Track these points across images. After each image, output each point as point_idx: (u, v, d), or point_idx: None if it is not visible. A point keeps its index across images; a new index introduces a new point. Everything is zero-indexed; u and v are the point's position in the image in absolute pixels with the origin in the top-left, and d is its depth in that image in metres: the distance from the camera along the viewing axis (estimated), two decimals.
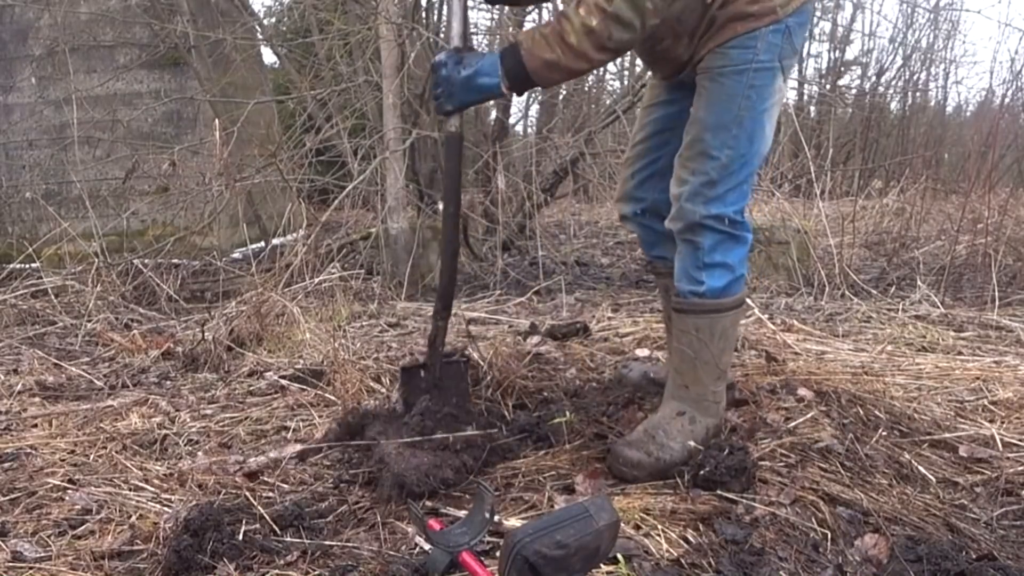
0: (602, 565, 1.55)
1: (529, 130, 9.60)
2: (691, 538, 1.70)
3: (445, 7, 5.71)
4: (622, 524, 1.61)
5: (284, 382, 2.85)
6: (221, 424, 2.50)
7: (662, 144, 2.28)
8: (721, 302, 2.07)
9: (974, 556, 1.71)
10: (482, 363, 2.73)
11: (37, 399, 2.83)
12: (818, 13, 10.48)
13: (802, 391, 2.48)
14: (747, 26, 1.95)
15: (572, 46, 1.87)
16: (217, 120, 4.98)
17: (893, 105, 10.74)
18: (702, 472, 1.91)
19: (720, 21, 1.97)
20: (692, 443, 2.02)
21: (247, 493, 1.97)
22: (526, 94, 6.30)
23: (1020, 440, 2.30)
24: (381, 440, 2.08)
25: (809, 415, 2.30)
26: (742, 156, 2.00)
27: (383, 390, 2.71)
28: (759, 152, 2.04)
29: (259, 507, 1.89)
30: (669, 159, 2.18)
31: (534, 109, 9.45)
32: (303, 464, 2.18)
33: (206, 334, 3.30)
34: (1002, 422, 2.43)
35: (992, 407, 2.56)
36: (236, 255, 5.51)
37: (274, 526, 1.81)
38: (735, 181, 2.02)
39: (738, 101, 1.98)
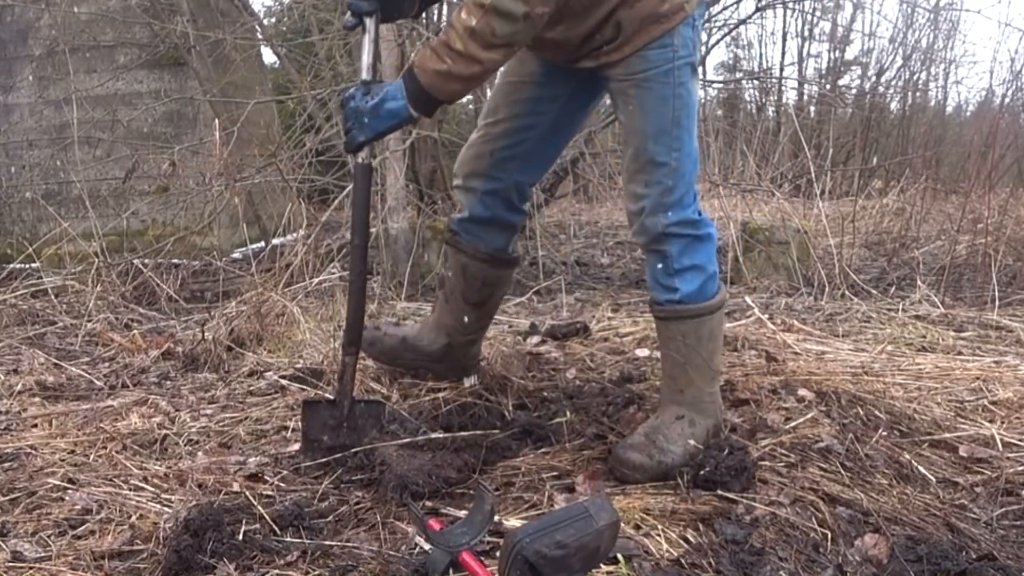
0: (602, 565, 1.55)
1: None
2: (691, 538, 1.70)
3: (444, 6, 5.71)
4: (622, 524, 1.61)
5: (284, 382, 2.85)
6: (221, 424, 2.49)
7: (528, 127, 2.24)
8: (701, 306, 2.07)
9: (974, 556, 1.71)
10: (481, 362, 2.73)
11: (37, 399, 2.82)
12: (818, 13, 10.50)
13: (802, 391, 2.48)
14: (662, 28, 1.93)
15: (460, 52, 1.86)
16: (217, 120, 4.98)
17: (893, 105, 10.73)
18: (702, 472, 1.91)
19: (630, 24, 1.93)
20: (692, 442, 2.02)
21: (247, 493, 1.97)
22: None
23: (1020, 440, 2.30)
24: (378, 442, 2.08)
25: (809, 415, 2.30)
26: (688, 155, 2.00)
27: (383, 390, 2.71)
28: (697, 147, 2.04)
29: (259, 507, 1.89)
30: (532, 144, 2.21)
31: None
32: (303, 464, 2.17)
33: (206, 334, 3.30)
34: (1002, 422, 2.43)
35: (992, 407, 2.56)
36: (236, 255, 5.51)
37: (274, 526, 1.80)
38: (688, 181, 2.02)
39: (671, 102, 1.97)
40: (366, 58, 2.09)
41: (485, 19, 1.82)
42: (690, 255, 2.04)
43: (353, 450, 2.09)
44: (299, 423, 2.23)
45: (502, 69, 2.23)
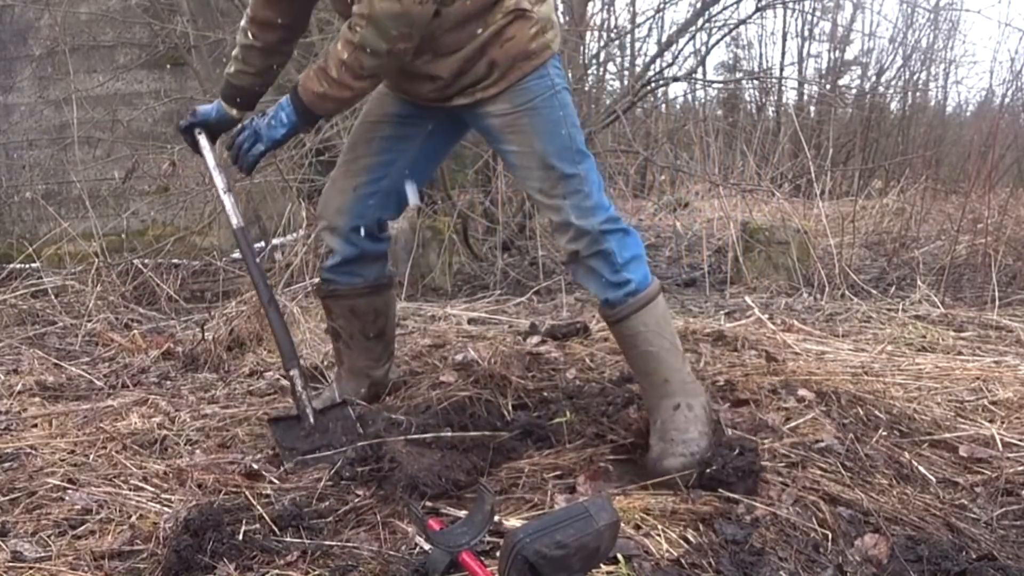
0: (602, 565, 1.55)
1: None
2: (691, 538, 1.70)
3: None
4: (622, 524, 1.61)
5: (284, 382, 2.84)
6: (221, 424, 2.49)
7: (389, 163, 2.37)
8: (650, 291, 2.15)
9: (974, 556, 1.71)
10: (481, 362, 2.73)
11: (37, 399, 2.82)
12: (818, 13, 10.50)
13: (802, 391, 2.48)
14: (532, 63, 2.10)
15: (334, 79, 2.06)
16: None
17: (893, 105, 10.74)
18: (709, 471, 1.91)
19: (504, 62, 2.08)
20: (701, 425, 2.06)
21: (247, 493, 1.97)
22: None
23: (1020, 440, 2.30)
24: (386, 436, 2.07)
25: (809, 415, 2.30)
26: (591, 166, 2.15)
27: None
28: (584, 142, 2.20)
29: (259, 507, 1.89)
30: (393, 180, 2.36)
31: None
32: (303, 463, 2.17)
33: (206, 334, 3.30)
34: (1002, 422, 2.43)
35: (992, 407, 2.56)
36: (236, 255, 5.50)
37: (274, 526, 1.80)
38: (599, 188, 2.15)
39: (561, 122, 2.12)
40: (219, 180, 2.39)
41: (354, 54, 2.01)
42: (628, 248, 2.14)
43: (358, 444, 2.10)
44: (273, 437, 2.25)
45: (363, 109, 2.48)
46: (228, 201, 2.36)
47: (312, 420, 2.21)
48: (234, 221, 2.33)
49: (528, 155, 2.13)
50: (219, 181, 2.39)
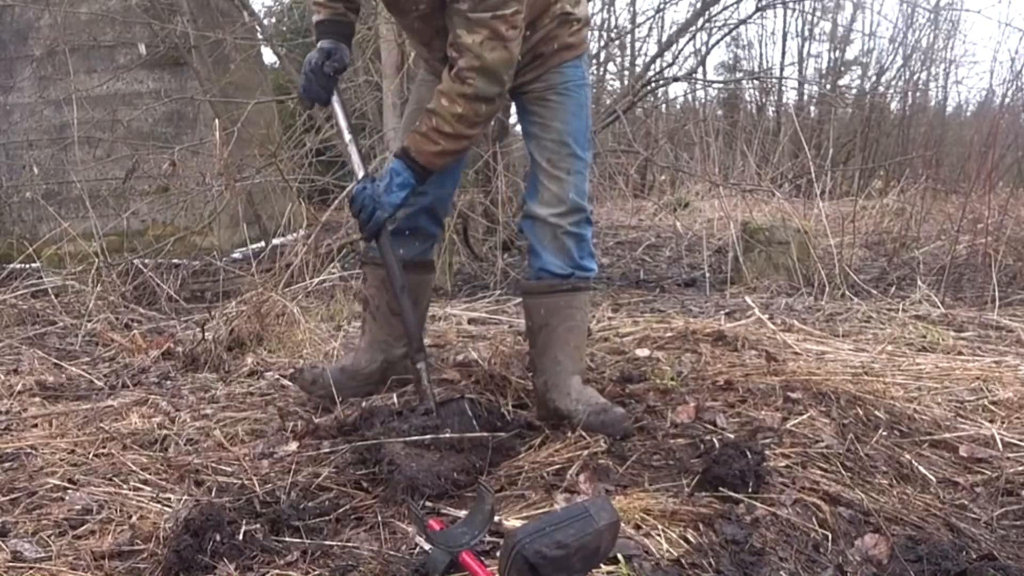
0: (602, 565, 1.55)
1: None
2: (691, 538, 1.70)
3: None
4: (622, 524, 1.61)
5: (284, 382, 2.85)
6: (221, 424, 2.49)
7: None
8: (591, 282, 2.46)
9: (974, 556, 1.71)
10: (481, 362, 2.73)
11: (37, 399, 2.82)
12: (818, 13, 10.50)
13: (802, 391, 2.48)
14: (572, 53, 2.34)
15: (449, 134, 2.19)
16: (217, 120, 4.98)
17: (893, 105, 10.73)
18: (712, 472, 1.90)
19: (548, 53, 2.31)
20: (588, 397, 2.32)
21: (247, 492, 1.97)
22: None
23: (1020, 440, 2.30)
24: (384, 439, 2.07)
25: (809, 415, 2.30)
26: (590, 157, 2.40)
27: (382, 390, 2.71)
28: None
29: (259, 507, 1.89)
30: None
31: None
32: (303, 463, 2.17)
33: (206, 334, 3.30)
34: (1002, 422, 2.43)
35: (992, 407, 2.56)
36: (236, 255, 5.50)
37: (274, 526, 1.80)
38: (587, 177, 2.39)
39: (584, 111, 2.37)
40: (355, 158, 2.43)
41: (470, 105, 2.15)
42: (589, 243, 2.41)
43: (357, 444, 2.10)
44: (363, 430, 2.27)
45: (413, 96, 2.62)
46: (355, 153, 2.44)
47: (433, 411, 2.21)
48: (360, 173, 2.41)
49: (548, 128, 2.33)
50: (346, 133, 2.46)
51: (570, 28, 2.32)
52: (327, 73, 2.36)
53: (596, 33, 7.75)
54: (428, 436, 2.06)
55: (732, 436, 2.18)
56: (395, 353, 2.60)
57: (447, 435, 2.06)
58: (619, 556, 1.59)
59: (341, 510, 1.91)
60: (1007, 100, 7.17)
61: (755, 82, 10.89)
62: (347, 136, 2.45)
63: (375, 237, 2.33)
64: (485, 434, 2.11)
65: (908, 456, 2.16)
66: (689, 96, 10.63)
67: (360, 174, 2.38)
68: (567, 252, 2.34)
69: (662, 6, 9.57)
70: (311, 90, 2.39)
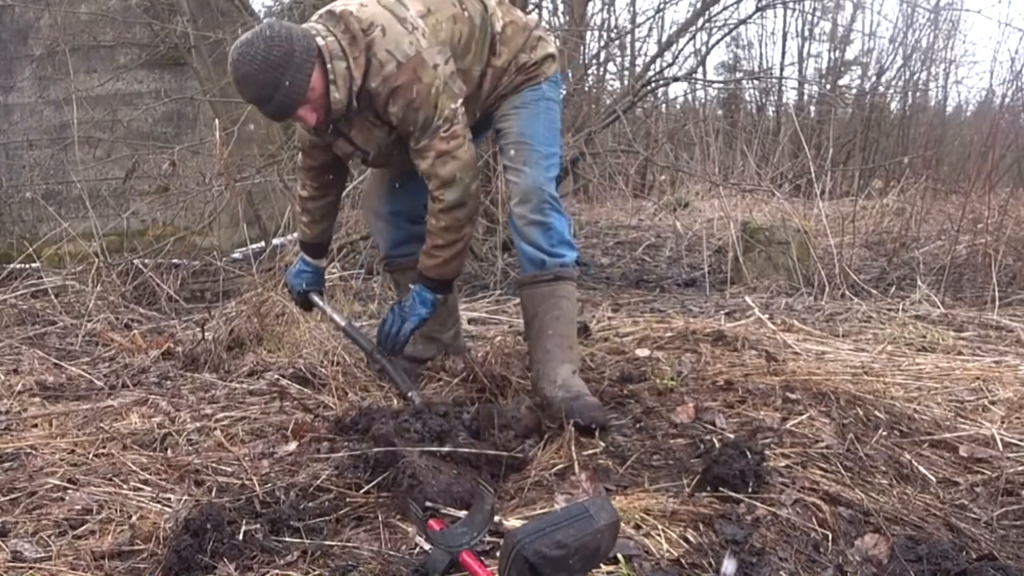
0: (602, 565, 1.55)
1: None
2: (691, 538, 1.70)
3: None
4: (622, 524, 1.61)
5: (284, 382, 2.85)
6: (221, 424, 2.49)
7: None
8: (573, 272, 2.52)
9: (974, 556, 1.71)
10: (481, 363, 2.73)
11: (37, 399, 2.82)
12: (818, 13, 10.51)
13: (802, 391, 2.48)
14: (531, 83, 2.58)
15: (444, 244, 2.43)
16: (217, 120, 4.97)
17: (893, 105, 10.74)
18: (712, 472, 1.90)
19: (509, 91, 2.58)
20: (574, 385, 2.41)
21: (247, 493, 1.97)
22: None
23: (1020, 440, 2.30)
24: (398, 440, 2.03)
25: (809, 415, 2.30)
26: (554, 161, 2.53)
27: (383, 390, 2.71)
28: (559, 147, 2.69)
29: (259, 507, 1.89)
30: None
31: None
32: (303, 463, 2.17)
33: (206, 334, 3.30)
34: (1002, 422, 2.43)
35: (992, 407, 2.56)
36: (236, 255, 5.50)
37: (274, 526, 1.80)
38: (554, 168, 2.52)
39: (545, 115, 2.57)
40: (358, 335, 2.73)
41: (449, 216, 2.40)
42: (565, 229, 2.49)
43: (374, 450, 2.06)
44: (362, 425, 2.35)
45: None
46: (352, 331, 2.74)
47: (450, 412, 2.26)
48: (364, 344, 2.71)
49: (508, 133, 2.55)
50: (338, 319, 2.78)
51: (530, 71, 2.57)
52: (306, 295, 2.83)
53: (596, 33, 7.75)
54: (447, 448, 2.03)
55: (732, 436, 2.18)
56: (446, 336, 2.94)
57: (465, 450, 2.03)
58: (619, 556, 1.59)
59: (341, 511, 1.91)
60: (1007, 100, 7.16)
61: (755, 82, 10.90)
62: (342, 323, 2.75)
63: (397, 349, 2.58)
64: (504, 453, 2.07)
65: (908, 456, 2.16)
66: (689, 96, 10.66)
67: (368, 349, 2.68)
68: (534, 241, 2.46)
69: (662, 6, 9.60)
70: (296, 301, 2.93)
